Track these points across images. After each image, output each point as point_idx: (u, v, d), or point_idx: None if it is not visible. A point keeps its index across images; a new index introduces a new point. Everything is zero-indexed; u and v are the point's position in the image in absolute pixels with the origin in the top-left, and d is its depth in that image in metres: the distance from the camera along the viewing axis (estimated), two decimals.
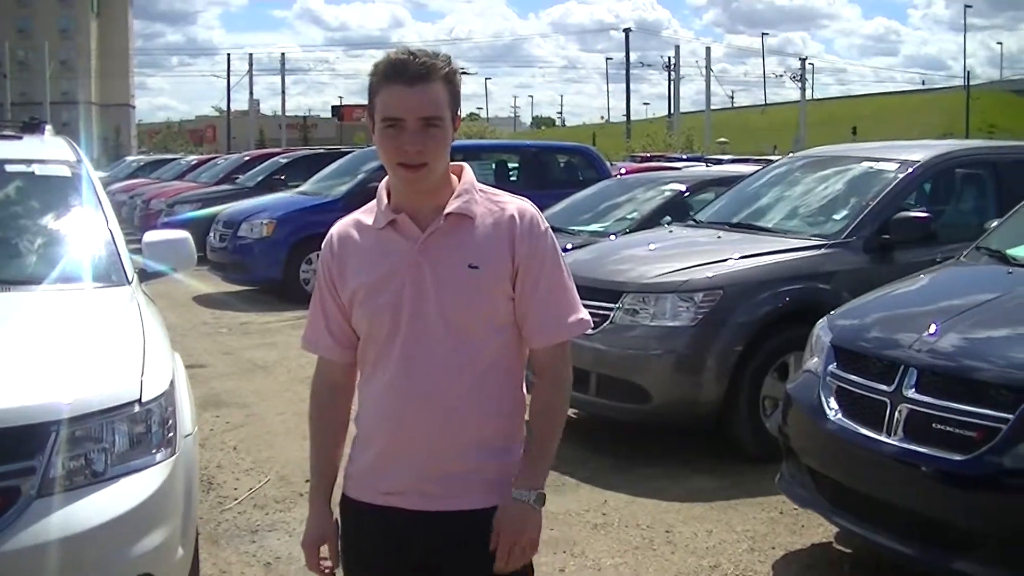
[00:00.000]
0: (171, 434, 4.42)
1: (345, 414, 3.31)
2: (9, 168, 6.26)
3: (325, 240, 3.20)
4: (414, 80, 2.89)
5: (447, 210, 3.01)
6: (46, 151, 6.69)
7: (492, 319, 3.04)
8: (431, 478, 3.04)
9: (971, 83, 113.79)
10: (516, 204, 3.10)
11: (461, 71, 3.09)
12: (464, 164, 3.17)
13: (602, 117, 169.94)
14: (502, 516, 3.02)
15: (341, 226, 3.20)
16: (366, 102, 3.08)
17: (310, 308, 3.26)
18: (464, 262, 2.99)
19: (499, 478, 3.07)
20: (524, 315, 3.07)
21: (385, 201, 3.09)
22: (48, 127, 7.44)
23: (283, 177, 23.19)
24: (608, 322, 8.02)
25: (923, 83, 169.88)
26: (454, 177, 3.11)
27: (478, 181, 3.14)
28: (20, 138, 7.06)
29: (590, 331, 3.40)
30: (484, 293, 3.00)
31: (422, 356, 3.00)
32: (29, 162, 6.35)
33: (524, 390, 3.19)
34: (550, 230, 3.11)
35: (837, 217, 8.96)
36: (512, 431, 3.13)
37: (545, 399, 3.13)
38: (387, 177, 3.08)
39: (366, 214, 3.17)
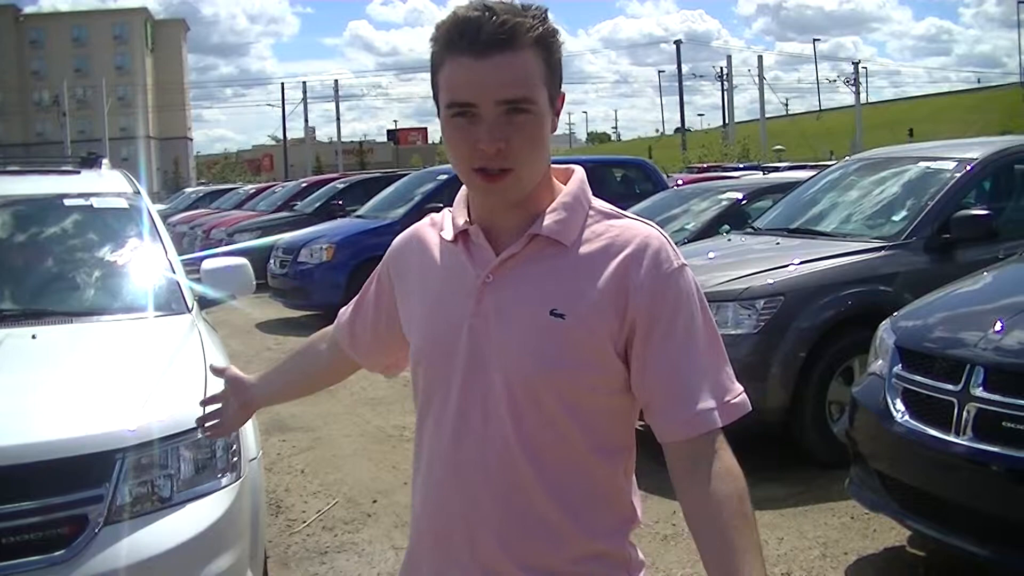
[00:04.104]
0: (236, 458, 4.44)
1: (322, 378, 2.82)
2: (68, 202, 6.35)
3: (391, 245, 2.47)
4: (488, 48, 2.00)
5: (533, 229, 2.12)
6: (103, 184, 6.78)
7: (579, 392, 2.10)
8: None
9: None
10: (640, 232, 2.14)
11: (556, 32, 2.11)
12: (577, 167, 2.27)
13: (657, 130, 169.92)
14: None
15: (413, 229, 2.40)
16: (430, 93, 2.20)
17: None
18: (544, 306, 2.08)
19: None
20: (649, 395, 2.13)
21: (463, 205, 2.25)
22: (105, 161, 7.53)
23: (340, 202, 23.40)
24: None
25: (978, 82, 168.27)
26: (559, 184, 2.23)
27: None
28: (78, 173, 7.14)
29: None
30: (568, 354, 2.07)
31: (477, 432, 2.13)
32: (87, 196, 6.43)
33: (634, 501, 2.31)
34: (688, 268, 2.15)
35: (896, 218, 8.88)
36: (615, 558, 2.21)
37: (717, 511, 2.03)
38: None
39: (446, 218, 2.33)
